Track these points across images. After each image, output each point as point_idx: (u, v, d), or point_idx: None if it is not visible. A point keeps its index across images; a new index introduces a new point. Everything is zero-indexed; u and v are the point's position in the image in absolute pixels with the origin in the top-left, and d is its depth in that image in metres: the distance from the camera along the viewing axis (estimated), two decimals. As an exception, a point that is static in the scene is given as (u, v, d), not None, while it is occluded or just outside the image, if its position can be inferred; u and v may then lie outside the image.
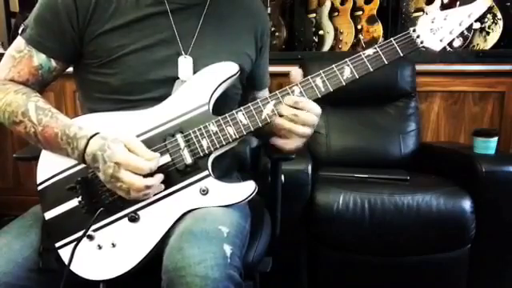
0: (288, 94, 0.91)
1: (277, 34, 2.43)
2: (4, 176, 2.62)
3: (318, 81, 0.92)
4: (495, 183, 1.59)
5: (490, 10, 2.10)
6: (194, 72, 0.95)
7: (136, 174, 0.81)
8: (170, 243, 0.78)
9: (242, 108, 0.91)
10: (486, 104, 2.25)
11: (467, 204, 1.56)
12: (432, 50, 0.93)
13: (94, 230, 0.87)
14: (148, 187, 0.83)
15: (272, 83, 1.28)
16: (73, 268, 0.85)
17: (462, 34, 0.91)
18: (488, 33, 2.15)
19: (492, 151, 1.72)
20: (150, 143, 0.87)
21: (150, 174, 0.83)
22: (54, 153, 0.90)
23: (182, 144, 0.89)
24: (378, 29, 2.28)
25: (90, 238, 0.87)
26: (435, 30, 0.92)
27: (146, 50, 0.93)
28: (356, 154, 2.03)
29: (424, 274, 1.63)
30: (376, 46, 0.92)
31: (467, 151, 1.78)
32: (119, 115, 0.92)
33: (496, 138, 1.73)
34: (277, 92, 0.92)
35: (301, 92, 0.91)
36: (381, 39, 2.27)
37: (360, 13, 2.33)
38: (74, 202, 0.89)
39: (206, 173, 0.89)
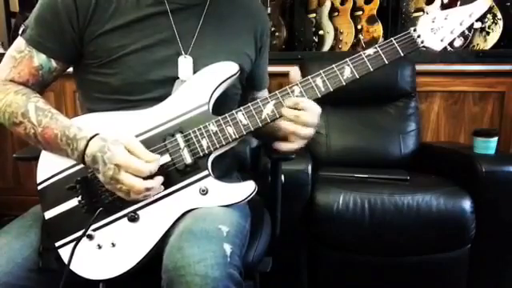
0: (288, 93, 0.91)
1: (277, 33, 2.43)
2: (4, 176, 2.61)
3: (318, 81, 0.91)
4: (495, 183, 1.59)
5: (490, 10, 2.10)
6: (194, 72, 0.95)
7: (136, 176, 0.81)
8: (169, 242, 0.78)
9: (241, 108, 0.91)
10: (485, 104, 2.25)
11: (467, 204, 1.56)
12: (433, 50, 0.93)
13: (94, 230, 0.87)
14: (148, 189, 0.83)
15: (272, 83, 1.28)
16: (72, 267, 0.85)
17: (462, 34, 0.91)
18: (488, 33, 2.15)
19: (492, 151, 1.72)
20: (149, 143, 0.87)
21: (150, 176, 0.83)
22: (54, 154, 0.90)
23: (182, 144, 0.89)
24: (377, 29, 2.28)
25: (90, 237, 0.87)
26: (436, 29, 0.92)
27: (146, 50, 0.93)
28: (356, 153, 2.03)
29: (424, 274, 1.63)
30: (376, 45, 0.92)
31: (467, 151, 1.77)
32: (119, 115, 0.92)
33: (496, 138, 1.73)
34: (277, 92, 0.92)
35: (301, 92, 0.91)
36: (381, 39, 2.27)
37: (360, 13, 2.33)
38: (73, 202, 0.89)
39: (205, 173, 0.89)
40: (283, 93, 0.91)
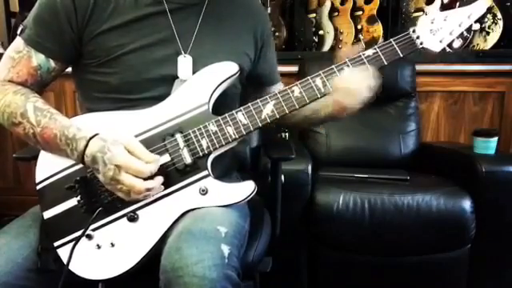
0: (288, 94, 0.91)
1: (277, 33, 2.43)
2: (4, 176, 2.61)
3: (318, 81, 0.92)
4: (495, 183, 1.58)
5: (490, 10, 2.09)
6: (194, 71, 0.95)
7: (136, 176, 0.81)
8: (168, 243, 0.78)
9: (241, 108, 0.91)
10: (485, 104, 2.25)
11: (467, 204, 1.56)
12: (432, 51, 0.93)
13: (93, 230, 0.87)
14: (148, 189, 0.83)
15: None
16: (71, 267, 0.85)
17: (461, 35, 0.91)
18: (488, 33, 2.14)
19: (492, 151, 1.72)
20: (149, 143, 0.87)
21: (150, 177, 0.83)
22: (53, 154, 0.90)
23: (182, 144, 0.89)
24: (377, 29, 2.27)
25: (89, 237, 0.87)
26: (435, 30, 0.92)
27: (145, 50, 0.93)
28: (356, 153, 2.03)
29: (424, 274, 1.63)
30: (376, 46, 0.92)
31: (467, 151, 1.77)
32: (118, 115, 0.92)
33: (496, 138, 1.73)
34: (277, 92, 0.92)
35: (300, 92, 0.91)
36: (381, 39, 2.27)
37: (360, 13, 2.33)
38: (72, 202, 0.89)
39: (205, 173, 0.89)
40: (283, 93, 0.92)
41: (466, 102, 2.26)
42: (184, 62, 0.95)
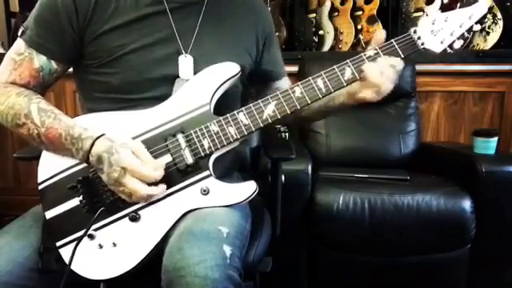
0: (289, 94, 0.91)
1: (277, 33, 2.41)
2: (4, 176, 2.61)
3: (319, 81, 0.92)
4: (495, 183, 1.59)
5: (490, 10, 2.09)
6: (195, 70, 0.95)
7: (141, 181, 0.82)
8: (170, 243, 0.78)
9: (243, 108, 0.91)
10: (485, 104, 2.25)
11: (467, 204, 1.57)
12: (433, 52, 0.93)
13: (95, 230, 0.87)
14: (150, 196, 0.83)
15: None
16: (73, 267, 0.85)
17: (462, 36, 0.91)
18: (488, 33, 2.15)
19: (492, 151, 1.72)
20: (151, 143, 0.88)
21: (153, 182, 0.83)
22: (57, 154, 0.90)
23: (183, 144, 0.89)
24: (377, 29, 2.28)
25: (91, 237, 0.87)
26: (436, 31, 0.92)
27: (146, 49, 0.93)
28: (356, 153, 2.03)
29: (424, 274, 1.63)
30: (377, 46, 0.92)
31: (467, 151, 1.78)
32: (120, 115, 0.92)
33: (496, 138, 1.73)
34: (278, 93, 0.92)
35: (302, 93, 0.91)
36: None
37: (360, 13, 2.33)
38: (74, 202, 0.89)
39: (207, 173, 0.89)
40: (284, 93, 0.92)
41: (466, 102, 2.27)
42: (185, 62, 0.95)
